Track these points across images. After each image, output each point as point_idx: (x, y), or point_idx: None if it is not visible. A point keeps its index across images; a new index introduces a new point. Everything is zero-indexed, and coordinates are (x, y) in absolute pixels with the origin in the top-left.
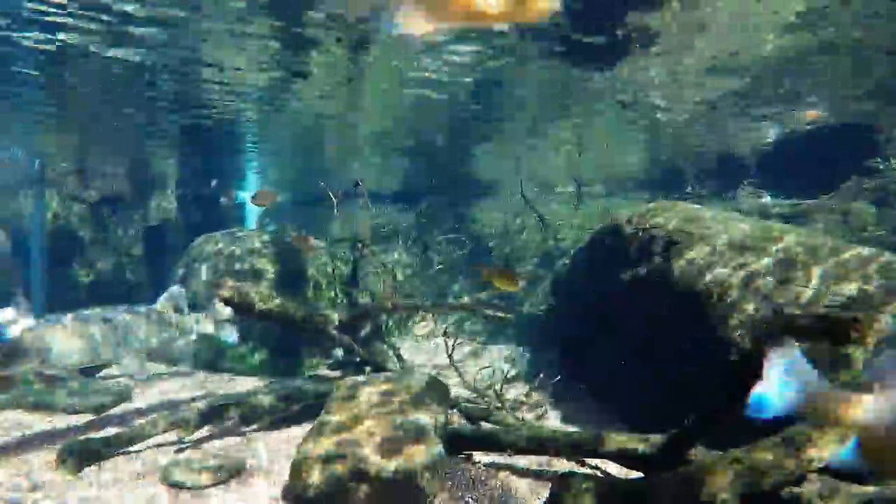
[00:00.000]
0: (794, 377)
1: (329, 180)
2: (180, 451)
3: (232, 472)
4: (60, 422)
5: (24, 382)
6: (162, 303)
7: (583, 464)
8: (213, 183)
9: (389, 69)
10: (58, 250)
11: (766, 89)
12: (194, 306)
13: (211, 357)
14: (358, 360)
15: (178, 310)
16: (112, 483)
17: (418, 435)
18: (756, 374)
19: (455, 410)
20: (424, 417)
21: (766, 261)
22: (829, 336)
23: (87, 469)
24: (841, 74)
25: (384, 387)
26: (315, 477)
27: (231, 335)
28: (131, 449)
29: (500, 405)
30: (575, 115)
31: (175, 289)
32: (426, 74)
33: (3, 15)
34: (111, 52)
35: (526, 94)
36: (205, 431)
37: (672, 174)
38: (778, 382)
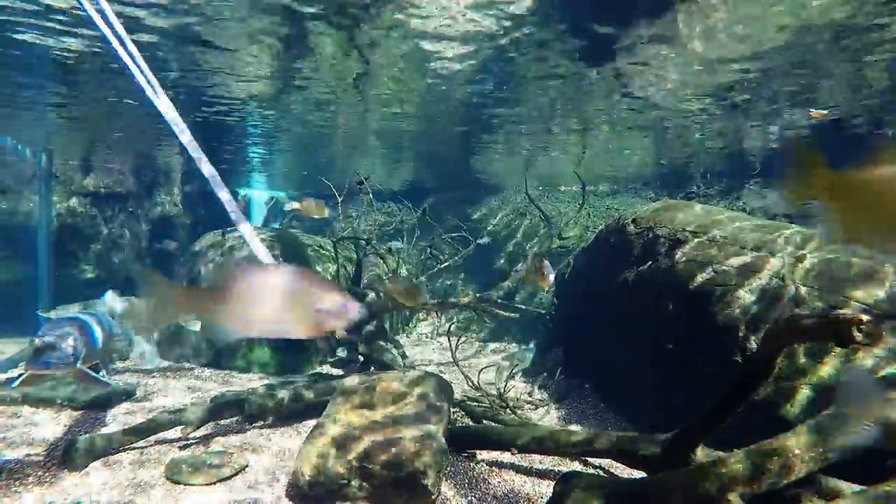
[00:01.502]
0: None
1: (334, 178)
2: (184, 448)
3: (235, 470)
4: (66, 417)
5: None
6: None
7: (586, 463)
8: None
9: (396, 61)
10: (63, 246)
11: (777, 81)
12: None
13: (214, 354)
14: (361, 358)
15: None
16: (116, 480)
17: (421, 433)
18: (761, 375)
19: (458, 409)
20: (427, 416)
21: (771, 260)
22: (834, 337)
23: (90, 465)
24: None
25: (387, 385)
26: (318, 475)
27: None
28: (135, 445)
29: (503, 404)
30: (581, 113)
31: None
32: (432, 65)
33: (10, 12)
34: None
35: (531, 91)
36: (208, 428)
37: (678, 173)
38: None
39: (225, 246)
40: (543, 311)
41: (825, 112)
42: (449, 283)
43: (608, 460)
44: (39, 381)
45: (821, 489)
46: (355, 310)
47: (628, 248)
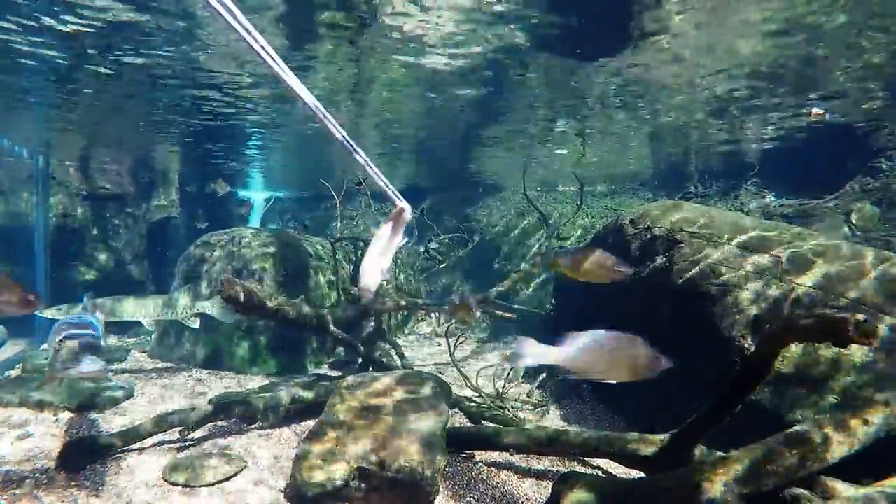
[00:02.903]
0: None
1: (333, 178)
2: (183, 449)
3: (234, 471)
4: (64, 419)
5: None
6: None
7: (585, 463)
8: (222, 188)
9: (395, 61)
10: (61, 247)
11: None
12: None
13: (212, 355)
14: (360, 359)
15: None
16: (114, 482)
17: (420, 434)
18: (758, 374)
19: (457, 410)
20: (426, 417)
21: (769, 260)
22: (830, 337)
23: (89, 467)
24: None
25: (386, 386)
26: (317, 475)
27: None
28: (134, 446)
29: (501, 405)
30: (579, 113)
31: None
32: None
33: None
34: (119, 58)
35: (530, 91)
36: (207, 430)
37: (676, 173)
38: None
39: (235, 246)
40: (542, 312)
41: (823, 111)
42: (451, 282)
43: (607, 460)
44: (57, 383)
45: (820, 489)
46: (667, 363)
47: (626, 248)
